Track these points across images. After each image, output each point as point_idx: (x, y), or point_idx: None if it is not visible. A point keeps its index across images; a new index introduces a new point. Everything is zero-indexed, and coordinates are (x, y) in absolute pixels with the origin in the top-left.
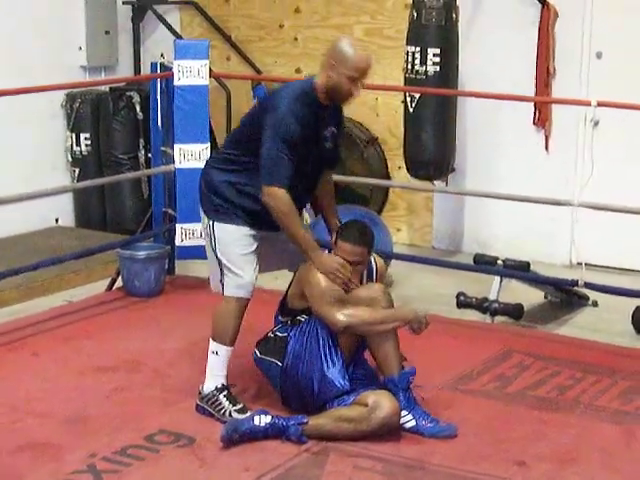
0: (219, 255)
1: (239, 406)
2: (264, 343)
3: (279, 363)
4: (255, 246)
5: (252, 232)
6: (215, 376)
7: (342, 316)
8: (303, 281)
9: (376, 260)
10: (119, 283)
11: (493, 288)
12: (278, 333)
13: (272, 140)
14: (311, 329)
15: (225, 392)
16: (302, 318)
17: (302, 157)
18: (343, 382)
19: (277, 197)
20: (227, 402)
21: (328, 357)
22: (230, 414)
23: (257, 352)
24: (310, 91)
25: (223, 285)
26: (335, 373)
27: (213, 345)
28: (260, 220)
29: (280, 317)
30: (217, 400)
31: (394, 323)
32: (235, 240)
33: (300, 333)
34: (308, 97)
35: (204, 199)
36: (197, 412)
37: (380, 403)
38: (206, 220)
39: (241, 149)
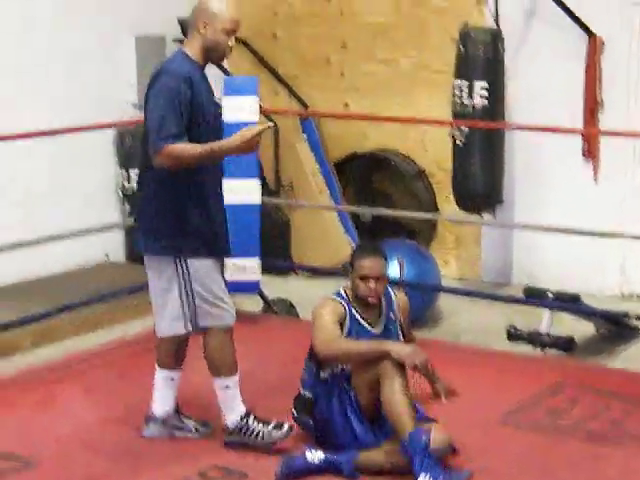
0: (199, 289)
1: (273, 424)
2: (297, 402)
3: (311, 422)
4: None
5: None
6: (234, 408)
7: (322, 344)
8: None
9: (396, 292)
10: None
11: (544, 321)
12: (306, 393)
13: (155, 105)
14: (334, 390)
15: (251, 417)
16: (326, 375)
17: (205, 126)
18: (372, 439)
19: (171, 151)
20: (259, 425)
21: (354, 417)
22: (269, 435)
23: (294, 411)
24: (188, 58)
25: (196, 319)
26: (363, 433)
27: (220, 381)
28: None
29: (309, 361)
30: (248, 427)
31: (372, 353)
32: (210, 274)
33: (325, 394)
34: (190, 62)
35: (154, 238)
36: (230, 448)
37: (433, 436)
38: (170, 259)
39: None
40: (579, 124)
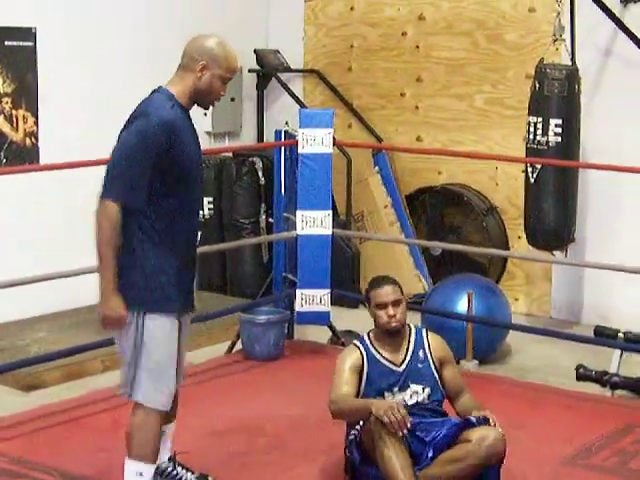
0: (148, 355)
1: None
2: (346, 463)
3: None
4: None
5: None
6: None
7: (329, 403)
8: None
9: (429, 333)
10: (239, 346)
11: (613, 361)
12: (347, 453)
13: (122, 147)
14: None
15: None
16: (356, 434)
17: (187, 176)
18: None
19: (107, 213)
20: (181, 471)
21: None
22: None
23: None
24: (172, 99)
25: (133, 389)
26: None
27: (135, 466)
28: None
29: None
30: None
31: (363, 411)
32: (167, 336)
33: (359, 455)
34: (175, 104)
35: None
36: None
37: (484, 434)
38: (131, 310)
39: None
40: None
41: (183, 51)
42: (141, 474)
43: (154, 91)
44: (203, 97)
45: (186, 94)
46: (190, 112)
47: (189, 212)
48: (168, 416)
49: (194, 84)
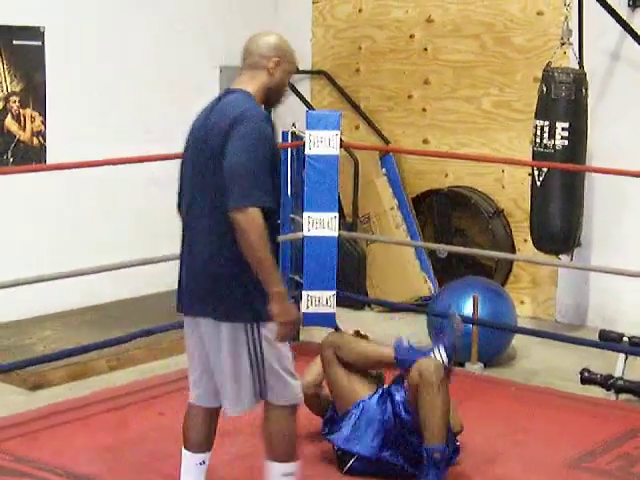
0: (272, 362)
1: None
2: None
3: None
4: None
5: None
6: None
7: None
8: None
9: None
10: None
11: (618, 365)
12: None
13: (245, 150)
14: None
15: None
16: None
17: (277, 176)
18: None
19: (255, 219)
20: None
21: None
22: None
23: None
24: (253, 99)
25: (265, 393)
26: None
27: (283, 467)
28: None
29: None
30: None
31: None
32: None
33: None
34: (258, 104)
35: (222, 301)
36: None
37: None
38: (239, 327)
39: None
40: None
41: (246, 50)
42: (289, 474)
43: (229, 92)
44: (276, 94)
45: (259, 93)
46: None
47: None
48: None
49: (268, 82)
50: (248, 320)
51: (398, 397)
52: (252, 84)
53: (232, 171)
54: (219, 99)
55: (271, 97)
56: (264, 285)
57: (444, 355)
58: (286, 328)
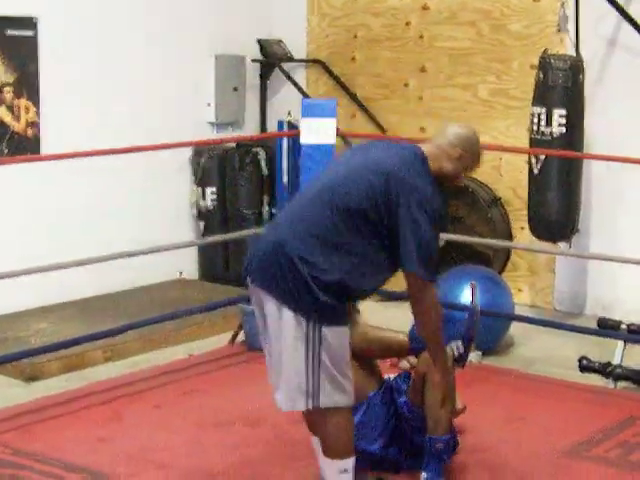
0: (327, 363)
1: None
2: None
3: None
4: None
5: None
6: None
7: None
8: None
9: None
10: (241, 337)
11: (617, 353)
12: None
13: (425, 222)
14: None
15: None
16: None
17: None
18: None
19: (433, 296)
20: None
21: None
22: None
23: None
24: (430, 171)
25: (318, 396)
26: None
27: (340, 464)
28: None
29: None
30: None
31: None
32: (344, 345)
33: None
34: (433, 179)
35: (298, 295)
36: None
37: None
38: (302, 321)
39: (354, 235)
40: None
41: (443, 129)
42: (345, 470)
43: (418, 154)
44: (446, 180)
45: (436, 168)
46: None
47: None
48: None
49: (445, 166)
50: (310, 317)
51: (401, 399)
52: (432, 156)
53: (416, 241)
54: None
55: (441, 179)
56: (437, 362)
57: (460, 346)
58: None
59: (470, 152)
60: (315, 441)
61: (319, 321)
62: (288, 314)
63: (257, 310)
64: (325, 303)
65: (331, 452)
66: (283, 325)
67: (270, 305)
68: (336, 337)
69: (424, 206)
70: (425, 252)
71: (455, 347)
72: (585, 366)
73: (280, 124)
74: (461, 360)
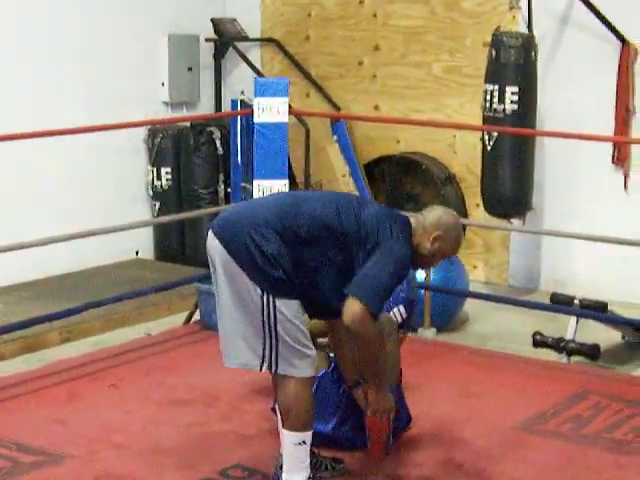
0: (281, 333)
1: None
2: None
3: None
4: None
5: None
6: (304, 468)
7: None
8: None
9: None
10: (197, 316)
11: (570, 328)
12: None
13: (388, 263)
14: None
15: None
16: None
17: None
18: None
19: (368, 322)
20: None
21: None
22: None
23: None
24: (410, 240)
25: (277, 365)
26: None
27: (295, 436)
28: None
29: None
30: None
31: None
32: (298, 315)
33: None
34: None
35: (256, 270)
36: None
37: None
38: (259, 291)
39: (318, 244)
40: (611, 131)
41: (429, 211)
42: (303, 442)
43: (405, 220)
44: (420, 259)
45: (415, 242)
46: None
47: None
48: None
49: (423, 245)
50: (265, 289)
51: None
52: (415, 232)
53: (370, 270)
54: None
55: (416, 258)
56: (372, 382)
57: (403, 311)
58: (380, 415)
59: (448, 238)
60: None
61: (272, 294)
62: (247, 281)
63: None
64: (279, 279)
65: (289, 424)
66: (239, 287)
67: (227, 264)
68: (289, 308)
69: (398, 259)
70: (379, 286)
71: (398, 312)
72: (538, 341)
73: (234, 103)
74: (405, 325)
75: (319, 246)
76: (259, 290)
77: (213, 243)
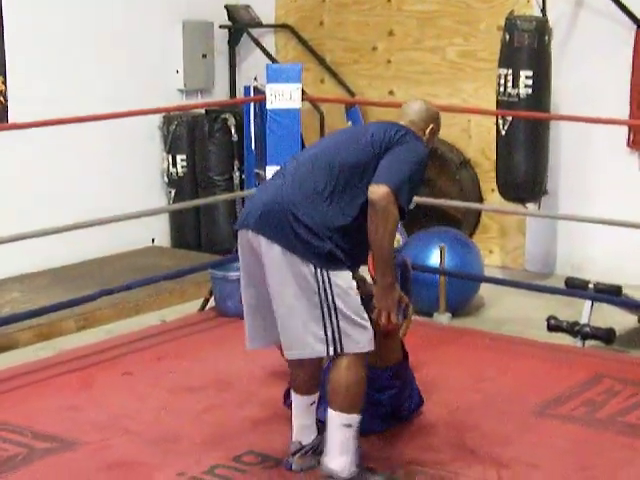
0: (340, 306)
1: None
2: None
3: None
4: None
5: None
6: (352, 452)
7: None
8: None
9: None
10: (212, 303)
11: (584, 312)
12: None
13: (407, 156)
14: None
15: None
16: None
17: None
18: None
19: (391, 200)
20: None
21: None
22: None
23: None
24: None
25: (342, 344)
26: None
27: (345, 418)
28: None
29: None
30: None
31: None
32: (353, 287)
33: None
34: None
35: (306, 247)
36: None
37: None
38: (312, 269)
39: (349, 192)
40: (626, 114)
41: (406, 108)
42: (350, 425)
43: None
44: None
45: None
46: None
47: None
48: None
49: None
50: (318, 264)
51: None
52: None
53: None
54: None
55: None
56: (377, 273)
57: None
58: (383, 313)
59: (438, 124)
60: (298, 399)
61: (326, 267)
62: (298, 262)
63: (245, 259)
64: (330, 251)
65: (337, 404)
66: (290, 273)
67: (274, 254)
68: (344, 279)
69: (412, 151)
70: (401, 176)
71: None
72: (553, 326)
73: (247, 89)
74: (403, 290)
75: (351, 189)
76: (312, 267)
77: (255, 240)
